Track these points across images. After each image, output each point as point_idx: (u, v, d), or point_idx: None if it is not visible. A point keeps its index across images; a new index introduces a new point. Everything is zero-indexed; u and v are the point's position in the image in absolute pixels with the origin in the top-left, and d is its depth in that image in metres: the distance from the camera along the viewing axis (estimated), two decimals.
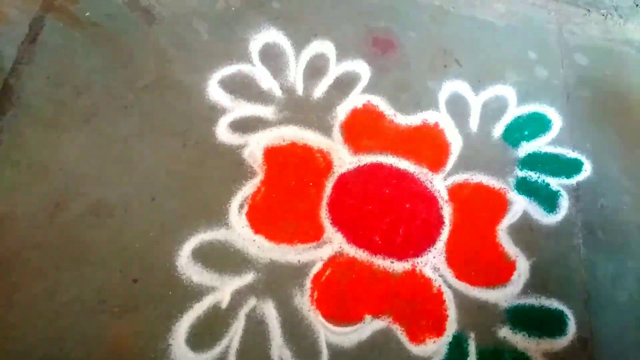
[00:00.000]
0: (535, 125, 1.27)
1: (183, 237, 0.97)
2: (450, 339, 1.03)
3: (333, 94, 1.16)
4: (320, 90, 1.16)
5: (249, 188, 1.04)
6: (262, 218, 1.03)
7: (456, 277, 1.08)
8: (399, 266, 1.07)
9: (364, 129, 1.16)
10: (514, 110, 1.26)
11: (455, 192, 1.16)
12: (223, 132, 1.06)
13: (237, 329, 0.94)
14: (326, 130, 1.13)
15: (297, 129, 1.11)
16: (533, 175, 1.22)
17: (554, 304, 1.12)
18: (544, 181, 1.23)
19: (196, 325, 0.92)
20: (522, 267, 1.13)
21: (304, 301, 0.99)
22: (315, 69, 1.17)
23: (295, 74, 1.16)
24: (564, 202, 1.21)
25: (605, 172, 1.26)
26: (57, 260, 0.90)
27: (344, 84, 1.18)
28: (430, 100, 1.22)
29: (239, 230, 1.00)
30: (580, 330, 1.10)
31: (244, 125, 1.08)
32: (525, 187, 1.20)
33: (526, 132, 1.25)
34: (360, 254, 1.06)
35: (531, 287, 1.12)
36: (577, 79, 1.36)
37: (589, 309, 1.13)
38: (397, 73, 1.22)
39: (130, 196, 0.97)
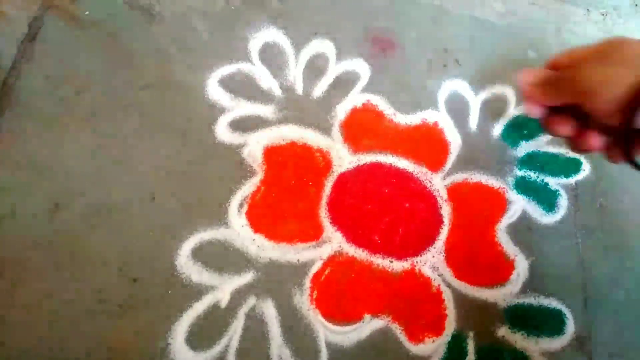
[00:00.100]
0: (535, 124, 1.26)
1: (183, 237, 0.96)
2: (449, 338, 1.02)
3: (333, 93, 1.15)
4: (320, 89, 1.15)
5: (248, 187, 1.03)
6: (261, 217, 1.02)
7: (455, 277, 1.08)
8: (398, 265, 1.06)
9: (363, 128, 1.15)
10: (514, 110, 1.25)
11: (454, 191, 1.15)
12: (223, 132, 1.05)
13: (237, 328, 0.93)
14: (326, 130, 1.12)
15: (296, 128, 1.10)
16: (532, 175, 1.21)
17: (553, 303, 1.11)
18: (542, 180, 1.22)
19: (196, 325, 0.91)
20: (521, 267, 1.12)
21: (304, 300, 0.98)
22: (315, 68, 1.16)
23: (295, 73, 1.14)
24: (563, 202, 1.20)
25: (604, 171, 1.25)
26: (57, 260, 0.89)
27: (343, 83, 1.17)
28: (430, 99, 1.21)
29: (238, 230, 0.99)
30: (579, 330, 1.10)
31: (244, 125, 1.07)
32: (524, 187, 1.19)
33: (525, 132, 1.24)
34: (360, 253, 1.05)
35: (530, 286, 1.11)
36: None
37: (588, 308, 1.13)
38: (397, 72, 1.21)
39: (130, 196, 0.96)
